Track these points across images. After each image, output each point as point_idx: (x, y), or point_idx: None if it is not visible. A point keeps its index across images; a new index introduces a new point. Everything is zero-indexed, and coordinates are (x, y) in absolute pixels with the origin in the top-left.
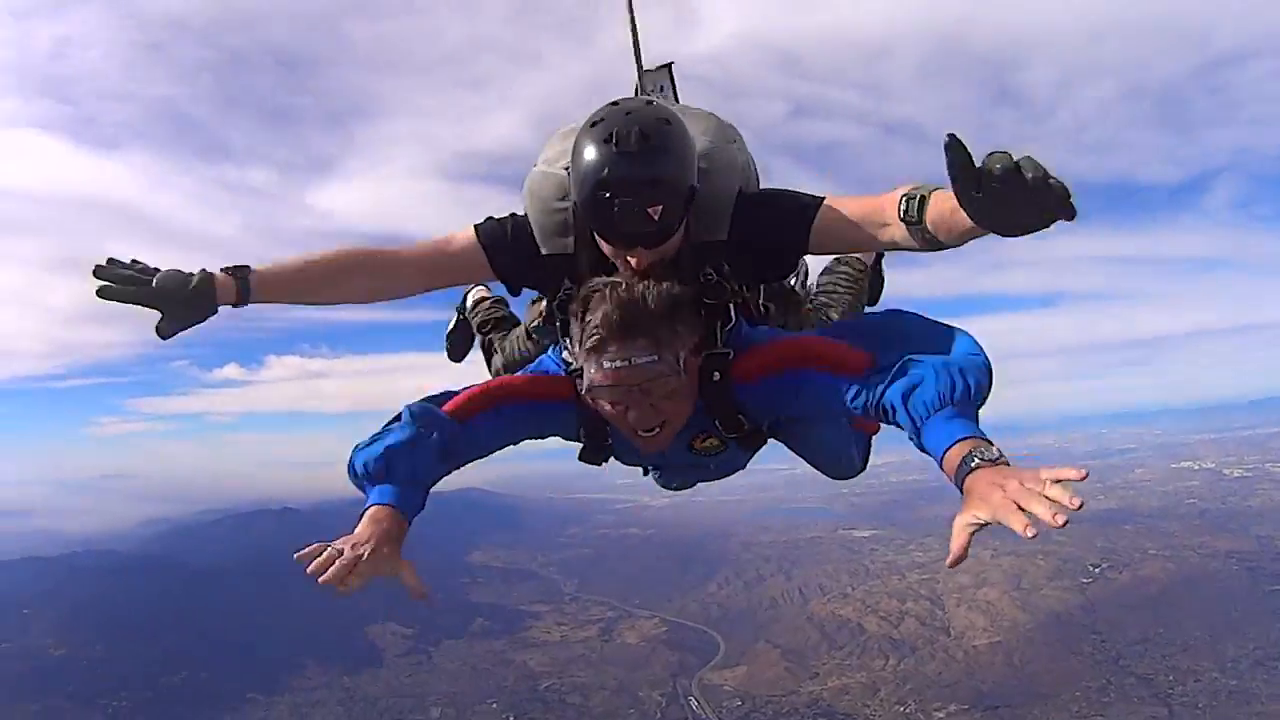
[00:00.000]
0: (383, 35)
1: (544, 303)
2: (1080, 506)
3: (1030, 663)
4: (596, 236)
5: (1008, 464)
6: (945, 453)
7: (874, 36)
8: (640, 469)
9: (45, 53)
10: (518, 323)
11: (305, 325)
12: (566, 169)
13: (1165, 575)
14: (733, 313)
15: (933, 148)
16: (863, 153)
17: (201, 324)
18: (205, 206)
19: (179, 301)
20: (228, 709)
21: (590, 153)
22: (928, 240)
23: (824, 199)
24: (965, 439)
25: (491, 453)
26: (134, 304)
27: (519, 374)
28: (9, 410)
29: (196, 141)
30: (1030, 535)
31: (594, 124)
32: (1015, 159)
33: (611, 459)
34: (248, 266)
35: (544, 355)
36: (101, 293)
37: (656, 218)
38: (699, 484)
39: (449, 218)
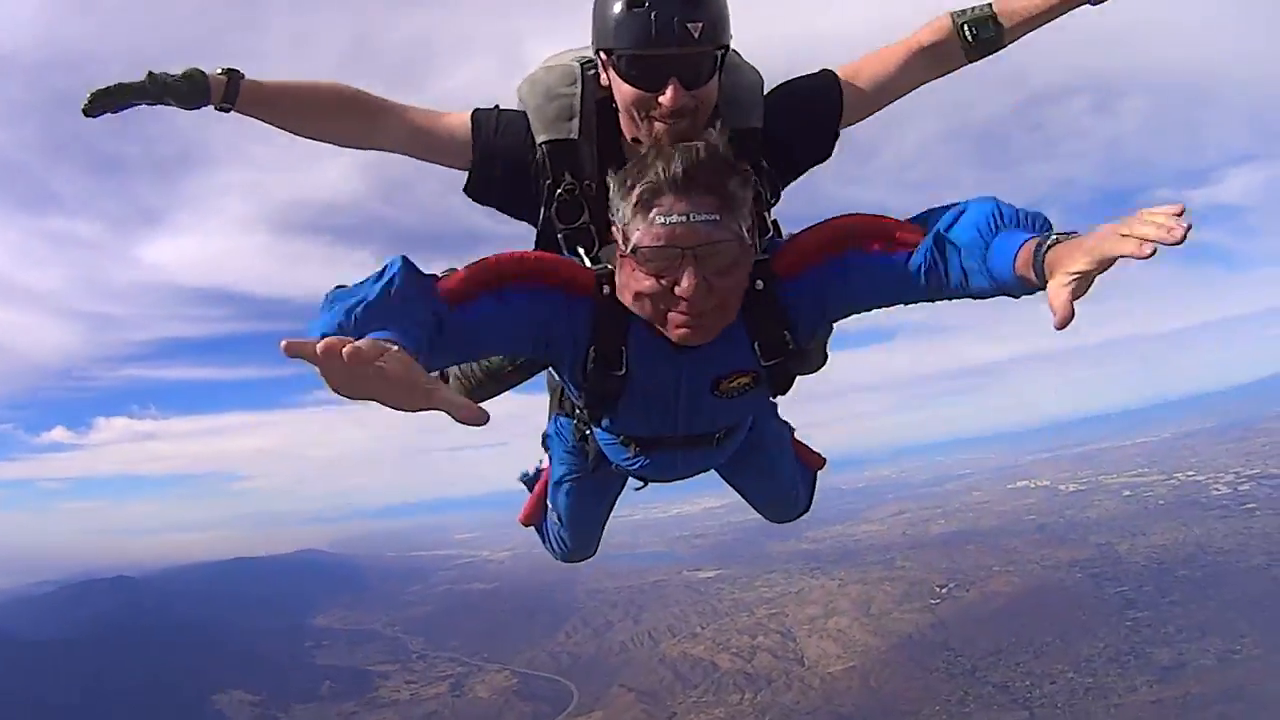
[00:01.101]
0: None
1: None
2: (1190, 227)
3: (887, 684)
4: (620, 84)
5: (1075, 235)
6: (1015, 255)
7: None
8: (624, 450)
9: None
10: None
11: (133, 385)
12: (575, 61)
13: (1011, 589)
14: (769, 220)
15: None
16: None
17: (189, 108)
18: (29, 259)
19: (173, 91)
20: None
21: None
22: (986, 51)
23: (835, 67)
24: (1036, 238)
25: (481, 354)
26: (131, 99)
27: (528, 251)
28: None
29: (21, 191)
30: (1147, 254)
31: None
32: None
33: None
34: (241, 73)
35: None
36: (92, 104)
37: (698, 35)
38: (677, 480)
39: (277, 270)
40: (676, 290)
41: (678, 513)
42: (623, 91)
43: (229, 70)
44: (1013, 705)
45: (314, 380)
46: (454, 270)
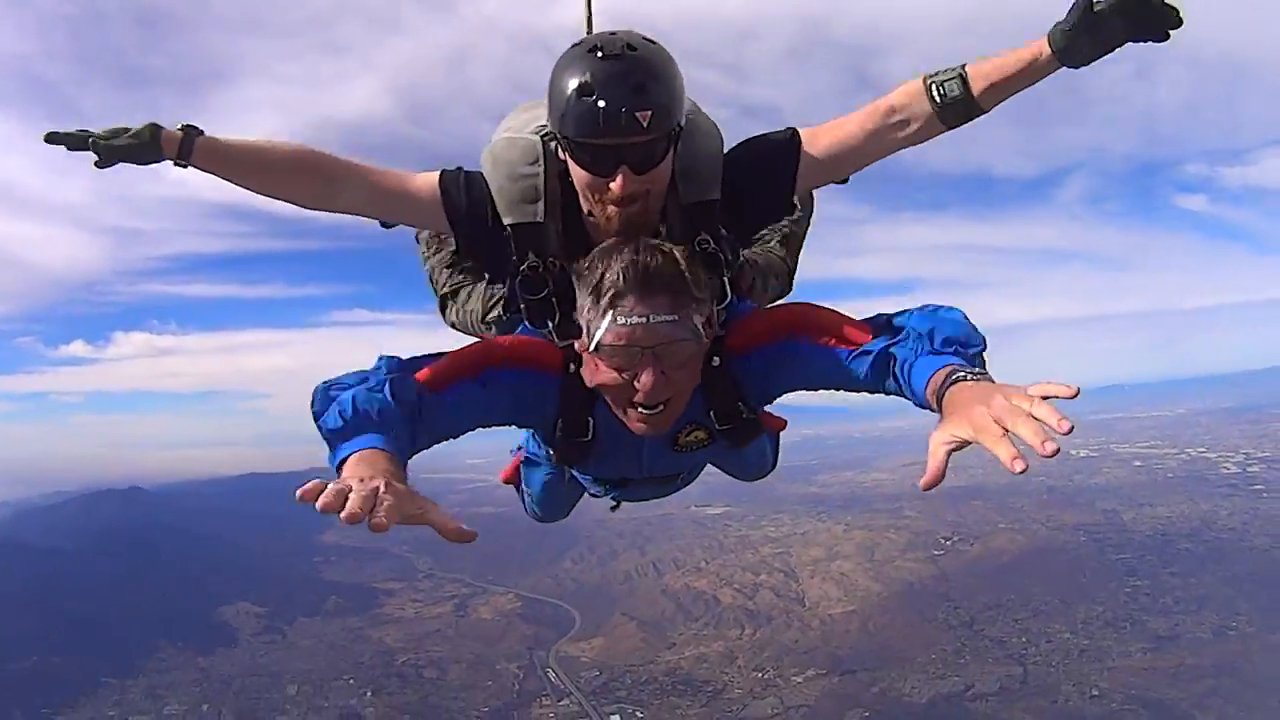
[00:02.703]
0: None
1: (492, 287)
2: (1070, 431)
3: (885, 629)
4: (574, 167)
5: (992, 381)
6: (929, 379)
7: (741, 18)
8: (596, 487)
9: None
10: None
11: (153, 300)
12: (537, 131)
13: (1015, 546)
14: (728, 288)
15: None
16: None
17: (143, 164)
18: (56, 172)
19: (125, 148)
20: (82, 693)
21: (572, 64)
22: (959, 115)
23: (799, 127)
24: (952, 365)
25: (462, 432)
26: (80, 149)
27: (505, 336)
28: None
29: (49, 103)
30: (1018, 470)
31: (575, 45)
32: None
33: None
34: (196, 128)
35: (523, 328)
36: (51, 139)
37: (646, 124)
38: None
39: None
40: (636, 384)
41: None
42: (576, 174)
43: (186, 127)
44: (1008, 660)
45: (333, 300)
46: (439, 355)
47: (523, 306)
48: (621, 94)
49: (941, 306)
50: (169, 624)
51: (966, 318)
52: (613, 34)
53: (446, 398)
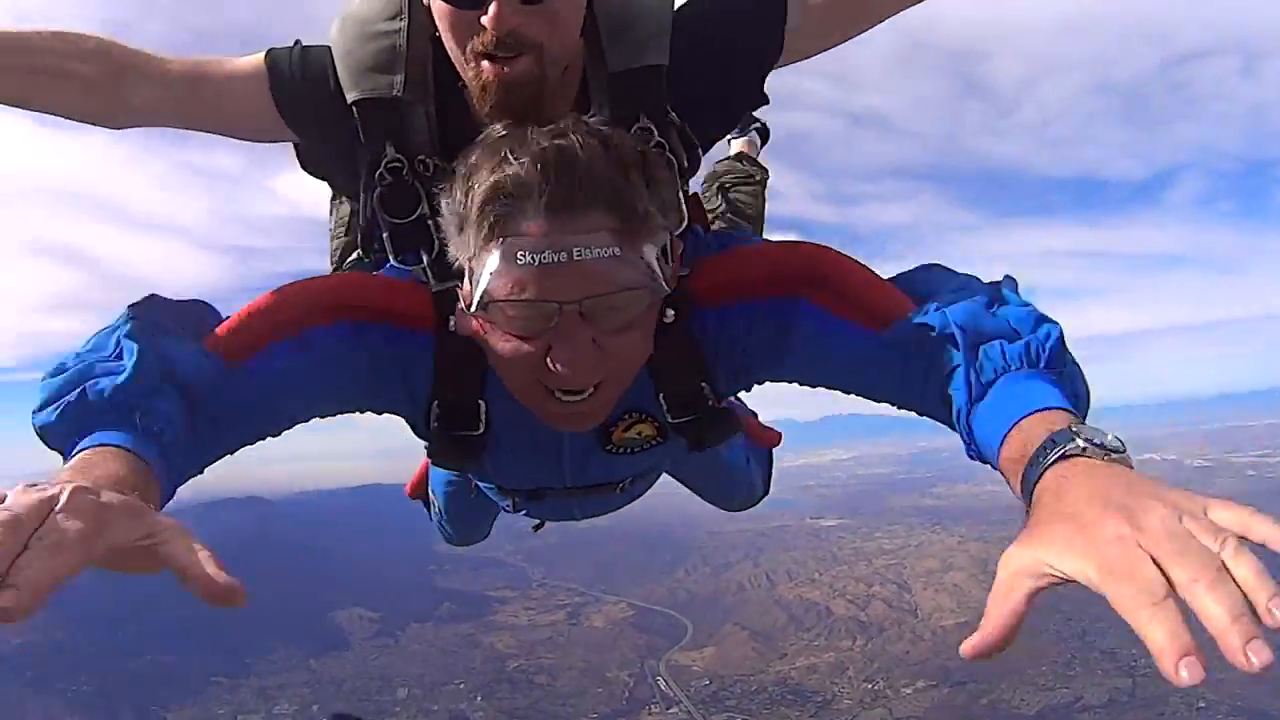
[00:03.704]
0: None
1: (348, 202)
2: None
3: None
4: (435, 4)
5: (1129, 465)
6: (1009, 430)
7: None
8: (501, 498)
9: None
10: None
11: None
12: None
13: None
14: (683, 206)
15: (902, 139)
16: (831, 144)
17: None
18: (172, 191)
19: None
20: (192, 692)
21: None
22: None
23: None
24: (1053, 409)
25: (279, 427)
26: None
27: (342, 273)
28: None
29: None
30: (1187, 681)
31: None
32: None
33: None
34: None
35: (389, 267)
36: None
37: None
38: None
39: None
40: (550, 361)
41: (805, 463)
42: (439, 12)
43: None
44: (1117, 672)
45: None
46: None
47: (385, 233)
48: None
49: (1009, 294)
50: (282, 627)
51: (1054, 325)
52: None
53: (250, 371)
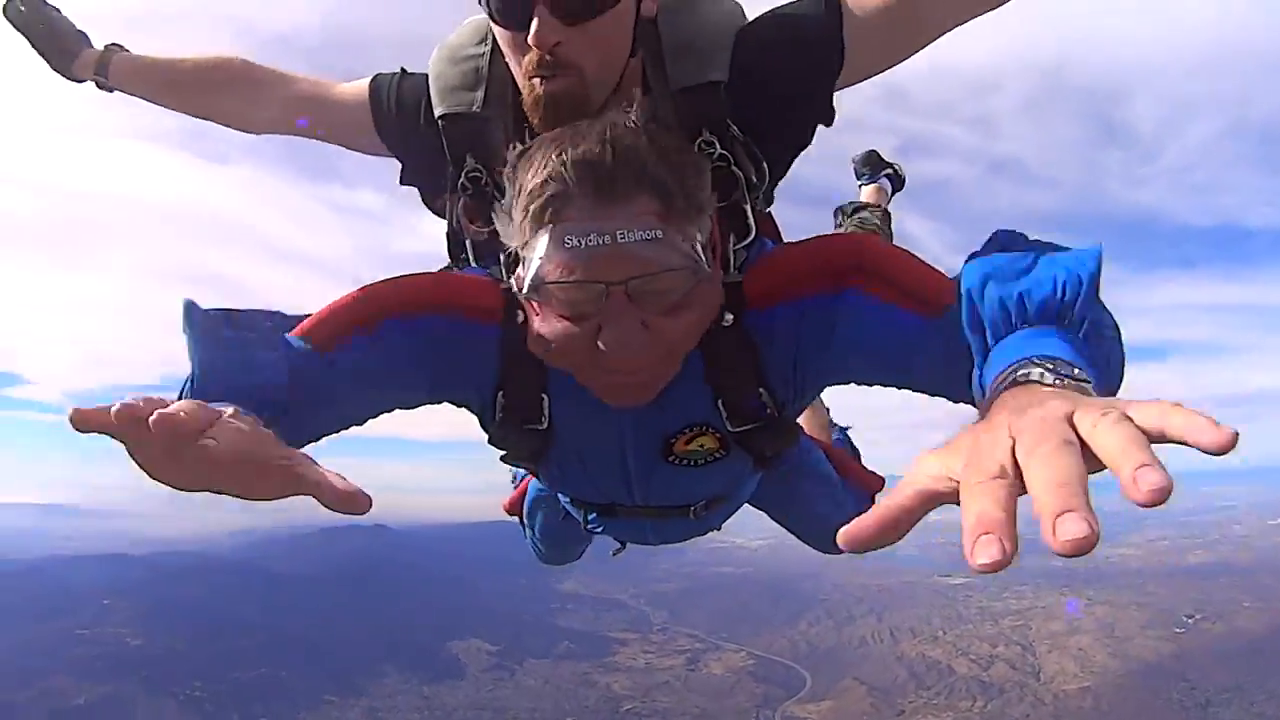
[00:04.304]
0: None
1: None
2: (1156, 495)
3: (1119, 707)
4: (495, 29)
5: (1078, 389)
6: (1000, 372)
7: (982, 69)
8: (576, 510)
9: None
10: None
11: None
12: None
13: (1260, 627)
14: (750, 219)
15: (1038, 187)
16: (967, 191)
17: (53, 67)
18: (311, 224)
19: (59, 48)
20: (303, 707)
21: None
22: None
23: None
24: (1048, 358)
25: (363, 415)
26: (28, 38)
27: (419, 272)
28: None
29: (305, 160)
30: (978, 564)
31: None
32: None
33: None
34: (120, 45)
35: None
36: (6, 12)
37: None
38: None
39: None
40: (600, 340)
41: (936, 518)
42: (497, 34)
43: (108, 46)
44: None
45: None
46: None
47: (467, 239)
48: None
49: (1070, 260)
50: (398, 652)
51: (1096, 273)
52: None
53: (332, 360)
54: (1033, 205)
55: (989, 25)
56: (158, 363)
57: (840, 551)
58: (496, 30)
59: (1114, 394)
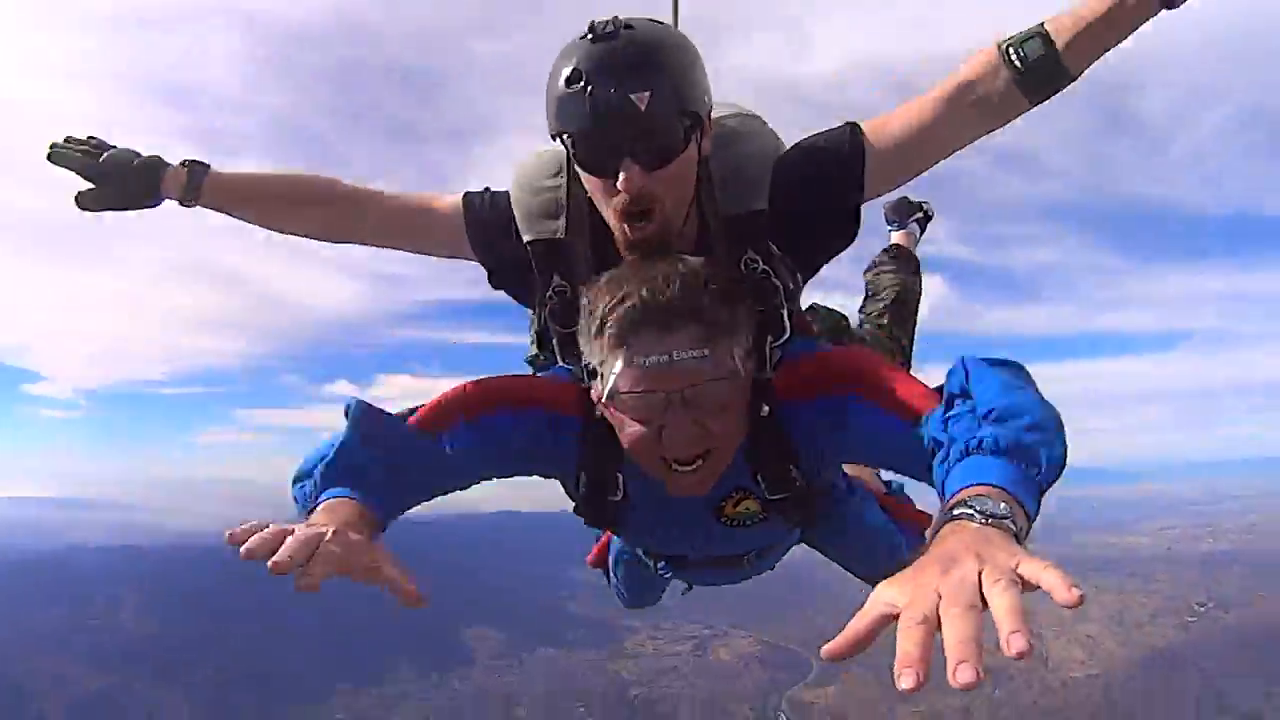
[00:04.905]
0: (504, 53)
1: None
2: (1021, 655)
3: (1128, 696)
4: (582, 173)
5: (1015, 538)
6: (949, 499)
7: None
8: (650, 561)
9: (168, 63)
10: None
11: (416, 344)
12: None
13: (1274, 616)
14: (786, 321)
15: (1048, 177)
16: (975, 183)
17: (135, 209)
18: None
19: (120, 179)
20: (314, 697)
21: (563, 53)
22: (1043, 81)
23: (861, 121)
24: (988, 485)
25: (463, 485)
26: (76, 171)
27: (513, 375)
28: (119, 413)
29: (316, 154)
30: (903, 687)
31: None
32: None
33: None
34: (206, 165)
35: (556, 367)
36: (50, 156)
37: (644, 106)
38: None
39: None
40: (662, 441)
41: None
42: (586, 182)
43: (191, 162)
44: None
45: None
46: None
47: (553, 339)
48: (613, 75)
49: (1022, 382)
50: (409, 641)
51: (1049, 417)
52: (614, 17)
53: (440, 444)
54: (1042, 196)
55: (995, 14)
56: (169, 358)
57: (875, 580)
58: (586, 178)
59: (1054, 478)
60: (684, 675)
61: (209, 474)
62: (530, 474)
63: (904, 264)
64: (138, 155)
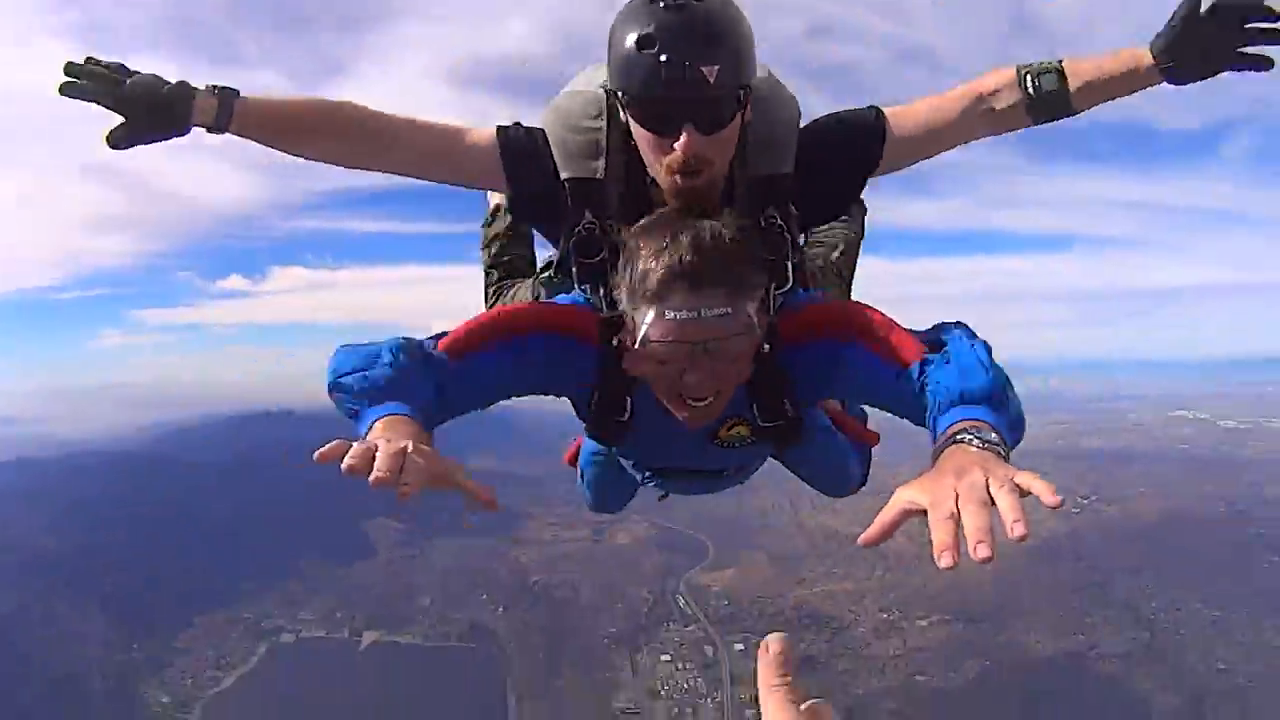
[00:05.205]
0: None
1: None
2: (1023, 538)
3: (1015, 584)
4: (635, 126)
5: (996, 453)
6: (947, 429)
7: None
8: (637, 472)
9: None
10: (525, 277)
11: (310, 235)
12: (602, 86)
13: (1154, 512)
14: (790, 271)
15: (948, 76)
16: (878, 78)
17: (164, 140)
18: None
19: (147, 107)
20: (222, 597)
21: (632, 15)
22: (1048, 110)
23: (884, 107)
24: (975, 420)
25: (488, 403)
26: (97, 103)
27: (531, 302)
28: (12, 323)
29: (208, 47)
30: (943, 565)
31: None
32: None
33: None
34: (235, 90)
35: (564, 295)
36: (64, 89)
37: (712, 79)
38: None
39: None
40: (684, 380)
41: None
42: (639, 135)
43: (220, 90)
44: (1135, 625)
45: None
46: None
47: (574, 268)
48: (686, 47)
49: (985, 354)
50: (310, 536)
51: (1007, 382)
52: None
53: (470, 365)
54: (942, 88)
55: None
56: (60, 262)
57: (839, 497)
58: (639, 131)
59: (1019, 431)
60: (582, 561)
61: (102, 380)
62: (545, 393)
63: (859, 207)
64: (165, 82)
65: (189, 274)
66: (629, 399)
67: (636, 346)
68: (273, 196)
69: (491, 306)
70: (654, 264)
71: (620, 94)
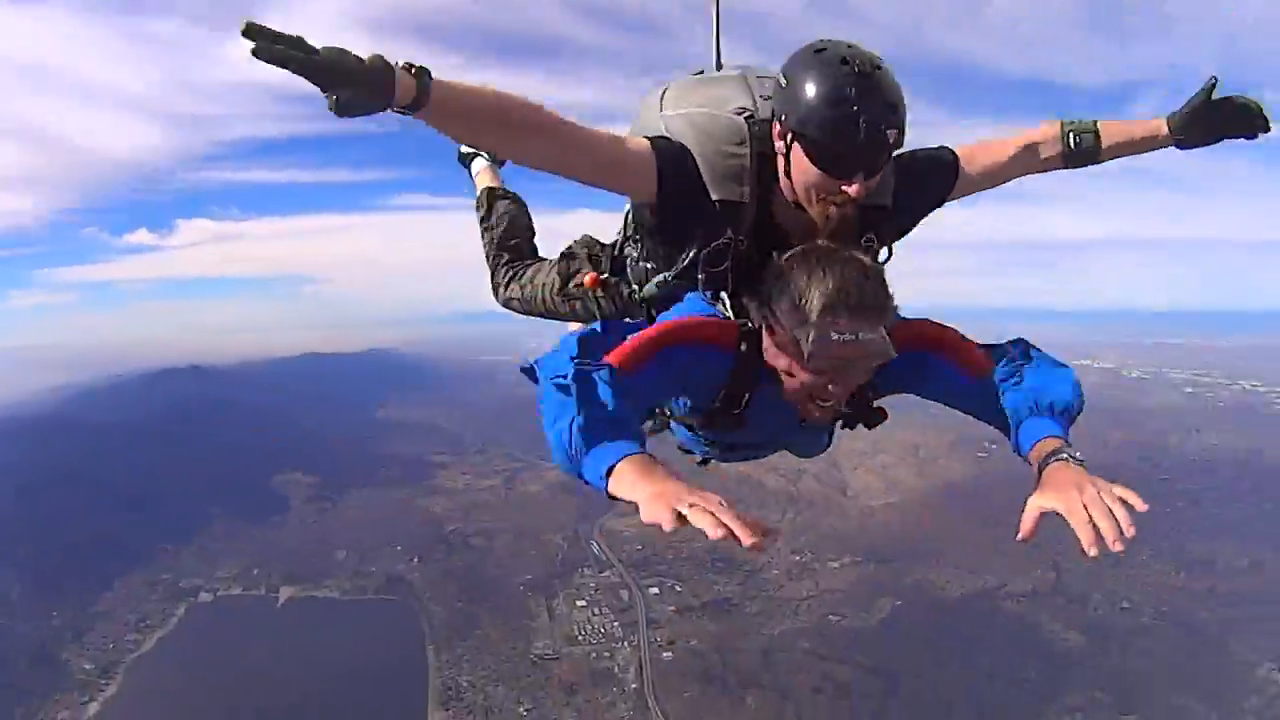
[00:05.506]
0: None
1: (644, 260)
2: (1133, 537)
3: (923, 524)
4: (803, 161)
5: (1084, 468)
6: (1037, 442)
7: None
8: (715, 448)
9: None
10: (536, 259)
11: (216, 186)
12: (740, 112)
13: None
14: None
15: (857, 25)
16: (787, 26)
17: (366, 115)
18: (115, 61)
19: (349, 79)
20: (138, 559)
21: (823, 71)
22: (1079, 161)
23: (954, 148)
24: (1058, 437)
25: (651, 409)
26: (295, 70)
27: (678, 315)
28: None
29: None
30: (1092, 555)
31: (818, 51)
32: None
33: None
34: (428, 70)
35: (691, 296)
36: (258, 52)
37: (893, 140)
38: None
39: None
40: (829, 389)
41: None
42: (805, 170)
43: (416, 68)
44: (1042, 564)
45: (396, 185)
46: (602, 336)
47: (700, 275)
48: (879, 110)
49: (1057, 364)
50: (223, 493)
51: (1077, 383)
52: (849, 47)
53: (638, 381)
54: (850, 37)
55: None
56: None
57: (810, 456)
58: (807, 166)
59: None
60: (496, 509)
61: (9, 343)
62: (683, 395)
63: None
64: (354, 55)
65: (95, 229)
66: (748, 396)
67: (807, 362)
68: (175, 147)
69: (507, 284)
70: (819, 289)
71: (801, 135)
